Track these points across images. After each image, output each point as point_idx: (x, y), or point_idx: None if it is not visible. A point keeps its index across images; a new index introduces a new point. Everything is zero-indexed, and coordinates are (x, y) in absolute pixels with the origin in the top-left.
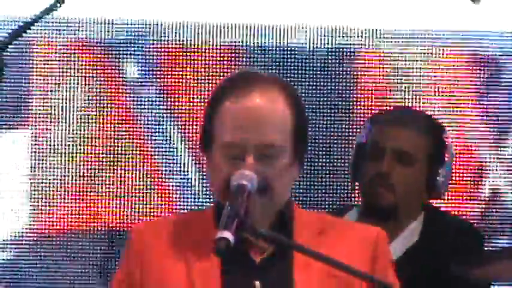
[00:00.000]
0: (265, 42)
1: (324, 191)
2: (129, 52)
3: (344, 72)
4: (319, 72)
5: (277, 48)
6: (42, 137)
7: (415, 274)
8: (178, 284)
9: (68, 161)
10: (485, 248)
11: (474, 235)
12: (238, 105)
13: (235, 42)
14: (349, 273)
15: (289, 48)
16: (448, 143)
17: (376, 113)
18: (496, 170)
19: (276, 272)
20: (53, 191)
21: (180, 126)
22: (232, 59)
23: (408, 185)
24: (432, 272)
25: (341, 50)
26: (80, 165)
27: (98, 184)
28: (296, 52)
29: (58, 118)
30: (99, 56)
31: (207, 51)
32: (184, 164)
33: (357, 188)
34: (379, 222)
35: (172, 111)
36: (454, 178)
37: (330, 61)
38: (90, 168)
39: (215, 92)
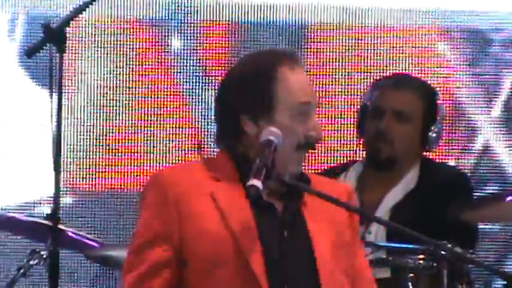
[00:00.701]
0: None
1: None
2: (173, 28)
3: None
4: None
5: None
6: (96, 101)
7: (413, 216)
8: (219, 235)
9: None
10: (475, 194)
11: (464, 181)
12: (296, 74)
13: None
14: (351, 210)
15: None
16: (439, 105)
17: (378, 79)
18: (487, 127)
19: (294, 222)
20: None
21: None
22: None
23: (405, 140)
24: (428, 214)
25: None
26: (129, 129)
27: (144, 148)
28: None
29: (107, 87)
30: (147, 31)
31: (244, 27)
32: None
33: (362, 144)
34: (381, 172)
35: (211, 82)
36: (451, 133)
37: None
38: (139, 131)
39: (263, 64)
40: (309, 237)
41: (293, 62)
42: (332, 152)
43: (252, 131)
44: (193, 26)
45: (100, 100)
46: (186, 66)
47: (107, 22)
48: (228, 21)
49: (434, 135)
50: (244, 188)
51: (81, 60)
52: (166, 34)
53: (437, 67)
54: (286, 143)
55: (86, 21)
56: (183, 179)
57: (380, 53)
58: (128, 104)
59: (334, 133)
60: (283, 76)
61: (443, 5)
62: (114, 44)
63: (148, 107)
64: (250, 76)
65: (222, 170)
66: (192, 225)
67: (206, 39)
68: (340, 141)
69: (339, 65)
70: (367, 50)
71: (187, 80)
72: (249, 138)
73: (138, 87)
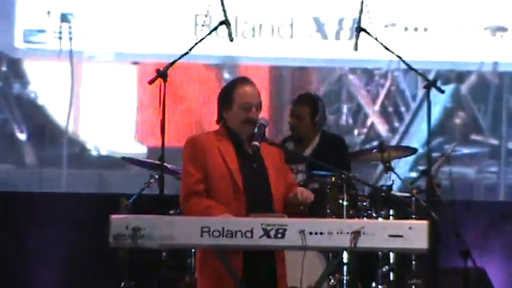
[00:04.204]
0: None
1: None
2: None
3: None
4: None
5: None
6: None
7: (319, 158)
8: (221, 166)
9: None
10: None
11: (342, 140)
12: (245, 87)
13: None
14: (289, 154)
15: None
16: (320, 105)
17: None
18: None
19: (258, 160)
20: None
21: None
22: None
23: (303, 128)
24: (326, 157)
25: None
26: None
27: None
28: None
29: None
30: None
31: None
32: None
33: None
34: (299, 144)
35: None
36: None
37: None
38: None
39: (228, 86)
40: (265, 167)
41: (244, 81)
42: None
43: (227, 116)
44: None
45: None
46: None
47: None
48: None
49: (318, 120)
50: (252, 148)
51: None
52: None
53: None
54: (236, 121)
55: None
56: (202, 139)
57: None
58: None
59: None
60: (236, 89)
61: None
62: None
63: None
64: (225, 90)
65: (221, 135)
66: (209, 161)
67: None
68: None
69: None
70: None
71: None
72: (227, 120)
73: None
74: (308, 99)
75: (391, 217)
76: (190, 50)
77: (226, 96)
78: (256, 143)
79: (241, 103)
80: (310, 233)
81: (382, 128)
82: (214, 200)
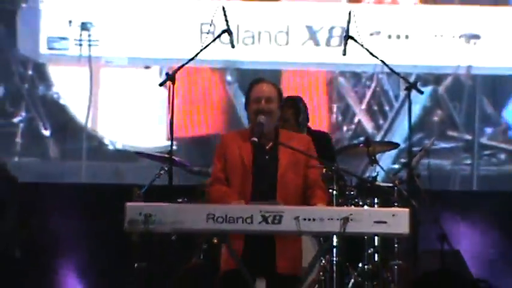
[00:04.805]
0: None
1: None
2: None
3: None
4: None
5: None
6: None
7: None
8: (237, 158)
9: None
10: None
11: (328, 136)
12: (256, 85)
13: None
14: (303, 154)
15: None
16: (301, 107)
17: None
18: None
19: (273, 154)
20: None
21: None
22: None
23: (289, 129)
24: (317, 152)
25: None
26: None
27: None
28: None
29: None
30: None
31: None
32: None
33: None
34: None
35: None
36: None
37: None
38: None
39: (247, 89)
40: (278, 158)
41: (255, 80)
42: None
43: (249, 113)
44: None
45: None
46: None
47: None
48: None
49: (302, 118)
50: (252, 143)
51: None
52: None
53: None
54: (252, 114)
55: None
56: (229, 138)
57: None
58: None
59: None
60: (251, 89)
61: None
62: None
63: None
64: (246, 92)
65: (245, 134)
66: (228, 154)
67: None
68: None
69: None
70: None
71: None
72: (249, 116)
73: None
74: (291, 102)
75: (375, 205)
76: (196, 55)
77: (246, 97)
78: (255, 139)
79: (253, 98)
80: (304, 219)
81: (368, 125)
82: (231, 187)
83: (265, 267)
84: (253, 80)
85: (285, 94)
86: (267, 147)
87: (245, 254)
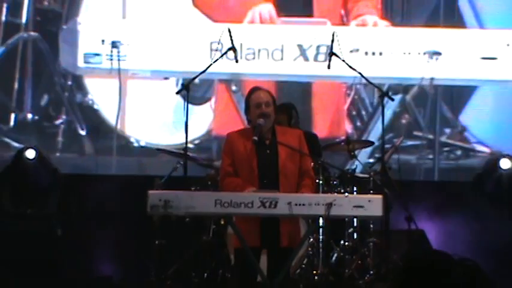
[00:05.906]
0: None
1: None
2: None
3: None
4: None
5: None
6: None
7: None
8: (243, 154)
9: None
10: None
11: (315, 135)
12: (255, 93)
13: None
14: (296, 151)
15: None
16: (293, 112)
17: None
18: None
19: (272, 149)
20: None
21: None
22: None
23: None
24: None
25: None
26: None
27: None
28: None
29: None
30: None
31: None
32: None
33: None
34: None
35: None
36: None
37: None
38: None
39: (246, 96)
40: (278, 152)
41: (254, 89)
42: None
43: (249, 116)
44: None
45: None
46: None
47: None
48: None
49: (293, 122)
50: (253, 141)
51: None
52: None
53: None
54: (254, 117)
55: None
56: (235, 135)
57: None
58: None
59: None
60: (250, 96)
61: None
62: None
63: None
64: (245, 100)
65: (248, 133)
66: (235, 149)
67: None
68: None
69: None
70: None
71: None
72: (250, 119)
73: None
74: (285, 108)
75: (355, 192)
76: (206, 68)
77: (246, 103)
78: (255, 138)
79: (254, 104)
80: (296, 204)
81: (348, 126)
82: (241, 178)
83: (273, 242)
84: (251, 89)
85: (279, 102)
86: (267, 143)
87: (261, 232)
